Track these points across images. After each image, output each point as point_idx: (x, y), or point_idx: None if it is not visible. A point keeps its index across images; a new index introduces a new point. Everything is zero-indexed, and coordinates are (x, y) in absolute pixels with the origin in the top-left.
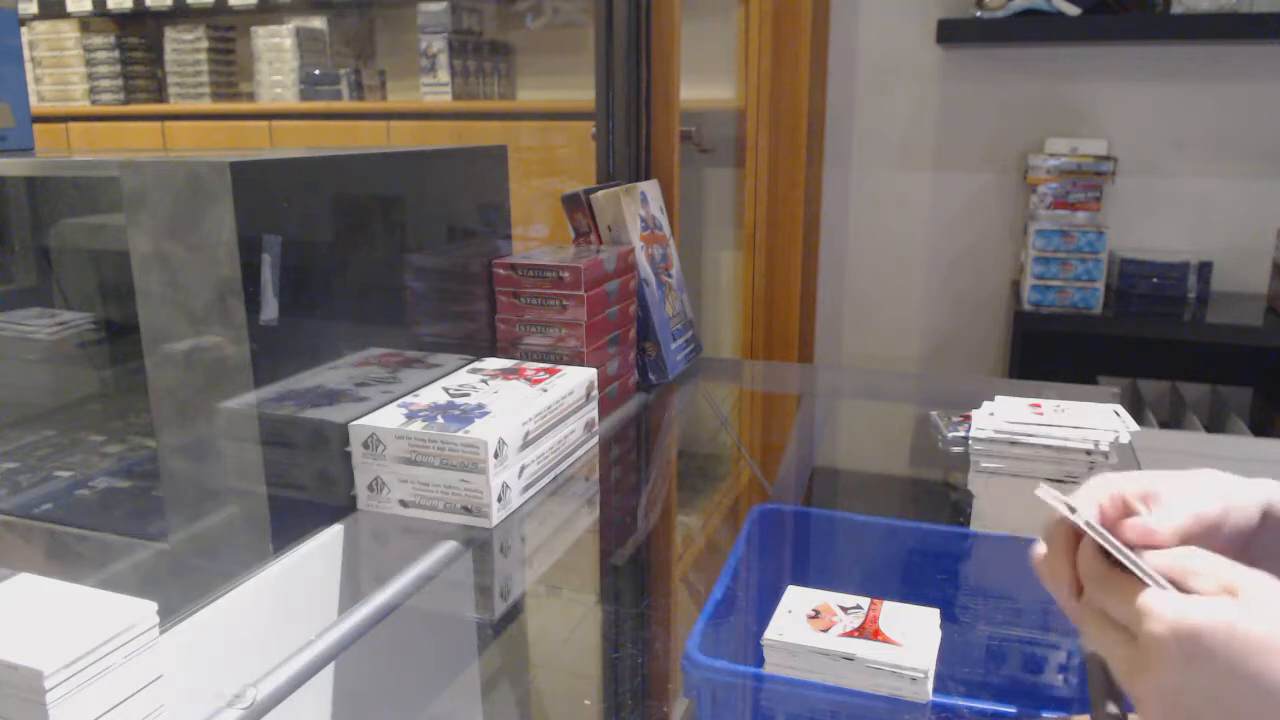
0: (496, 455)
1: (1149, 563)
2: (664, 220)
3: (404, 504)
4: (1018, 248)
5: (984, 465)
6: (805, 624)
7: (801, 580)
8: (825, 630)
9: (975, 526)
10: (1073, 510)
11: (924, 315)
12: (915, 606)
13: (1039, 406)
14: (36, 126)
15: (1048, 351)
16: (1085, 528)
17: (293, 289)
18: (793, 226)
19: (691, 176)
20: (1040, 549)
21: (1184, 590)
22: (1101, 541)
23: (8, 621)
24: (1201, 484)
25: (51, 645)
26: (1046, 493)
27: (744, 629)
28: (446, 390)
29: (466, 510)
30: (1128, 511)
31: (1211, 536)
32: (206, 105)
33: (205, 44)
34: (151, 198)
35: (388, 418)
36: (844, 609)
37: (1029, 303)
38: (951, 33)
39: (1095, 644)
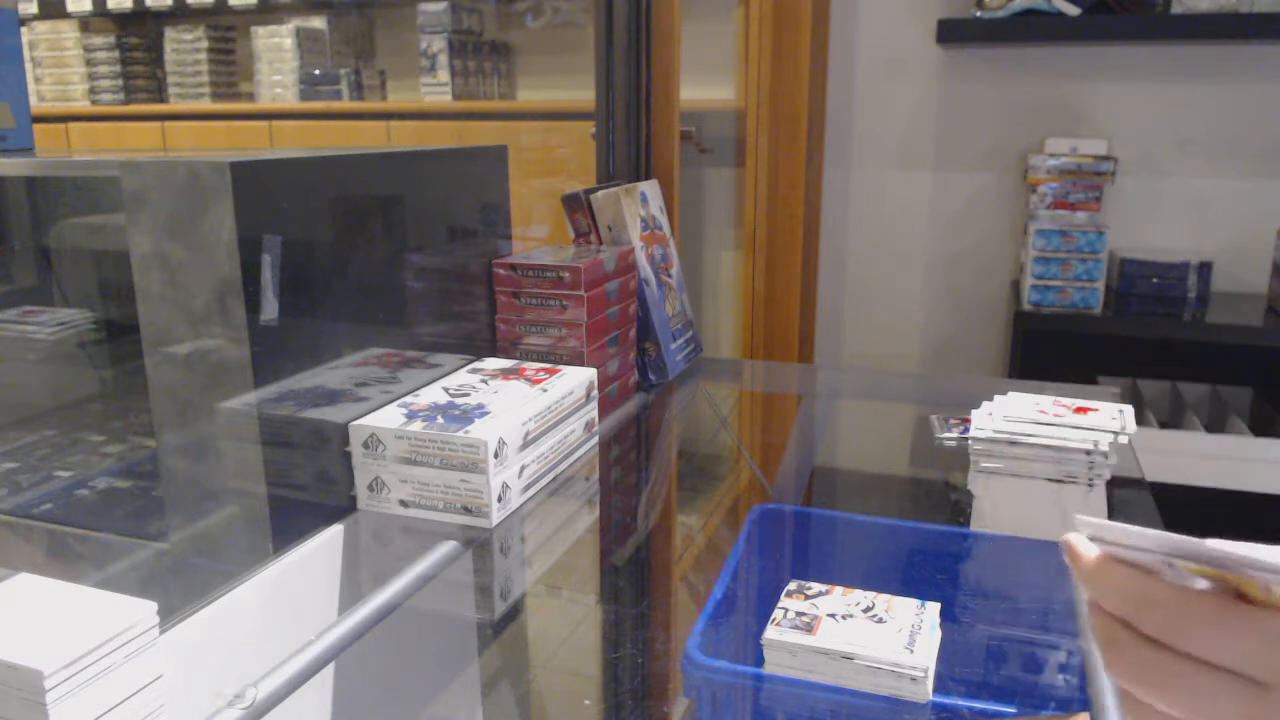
0: (496, 455)
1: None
2: (664, 220)
3: (404, 504)
4: (1018, 248)
5: (984, 465)
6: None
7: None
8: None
9: (975, 526)
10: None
11: (924, 315)
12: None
13: (1039, 406)
14: (36, 126)
15: (1048, 351)
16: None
17: (293, 289)
18: (793, 226)
19: (691, 176)
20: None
21: None
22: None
23: (8, 621)
24: None
25: (51, 645)
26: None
27: (744, 629)
28: (446, 390)
29: (466, 510)
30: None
31: None
32: (206, 105)
33: (205, 44)
34: (151, 198)
35: (388, 418)
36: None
37: (1029, 303)
38: (951, 33)
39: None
